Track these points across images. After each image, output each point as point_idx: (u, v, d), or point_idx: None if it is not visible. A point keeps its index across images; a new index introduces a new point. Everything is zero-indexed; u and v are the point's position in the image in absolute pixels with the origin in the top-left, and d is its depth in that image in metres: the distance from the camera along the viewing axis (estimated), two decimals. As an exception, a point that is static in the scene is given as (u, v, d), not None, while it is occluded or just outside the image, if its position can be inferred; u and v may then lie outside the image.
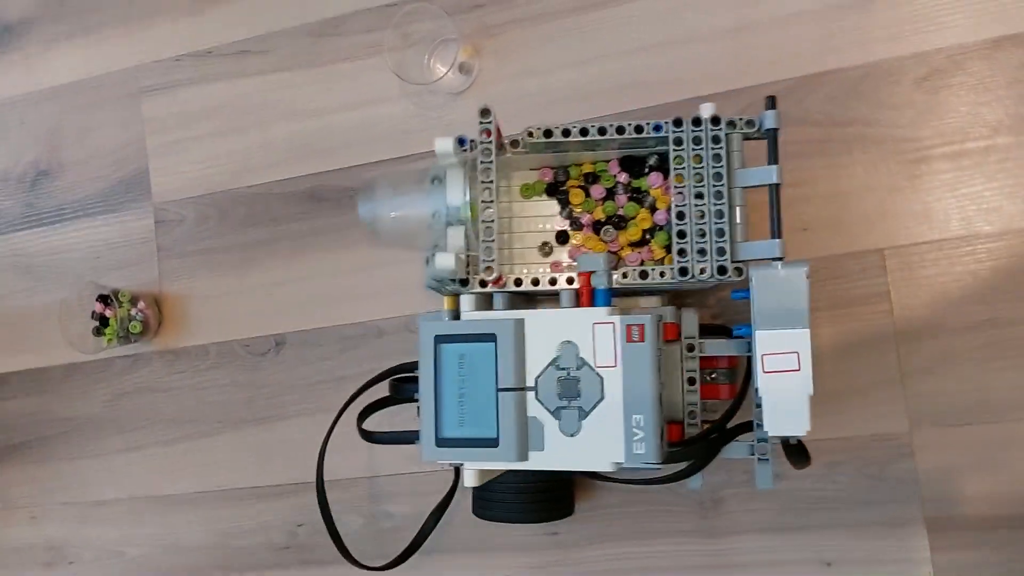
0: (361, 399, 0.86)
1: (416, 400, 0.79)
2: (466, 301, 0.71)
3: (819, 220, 0.87)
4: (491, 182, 0.71)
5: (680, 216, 0.70)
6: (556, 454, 0.68)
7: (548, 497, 0.84)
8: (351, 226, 0.99)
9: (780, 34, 0.89)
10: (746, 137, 0.72)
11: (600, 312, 0.67)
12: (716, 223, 0.70)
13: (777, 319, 0.66)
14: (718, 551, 0.88)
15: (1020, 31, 0.84)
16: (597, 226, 0.75)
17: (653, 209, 0.74)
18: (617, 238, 0.74)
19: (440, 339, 0.70)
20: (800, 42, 0.88)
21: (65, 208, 1.10)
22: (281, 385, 1.01)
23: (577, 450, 0.68)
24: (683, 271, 0.70)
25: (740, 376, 0.78)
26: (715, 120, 0.71)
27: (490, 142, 0.71)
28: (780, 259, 0.68)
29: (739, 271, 0.69)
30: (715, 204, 0.70)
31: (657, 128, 0.71)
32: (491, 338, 0.69)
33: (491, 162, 0.71)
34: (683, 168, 0.71)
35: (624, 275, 0.71)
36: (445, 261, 0.69)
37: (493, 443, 0.68)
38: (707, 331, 0.79)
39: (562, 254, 0.76)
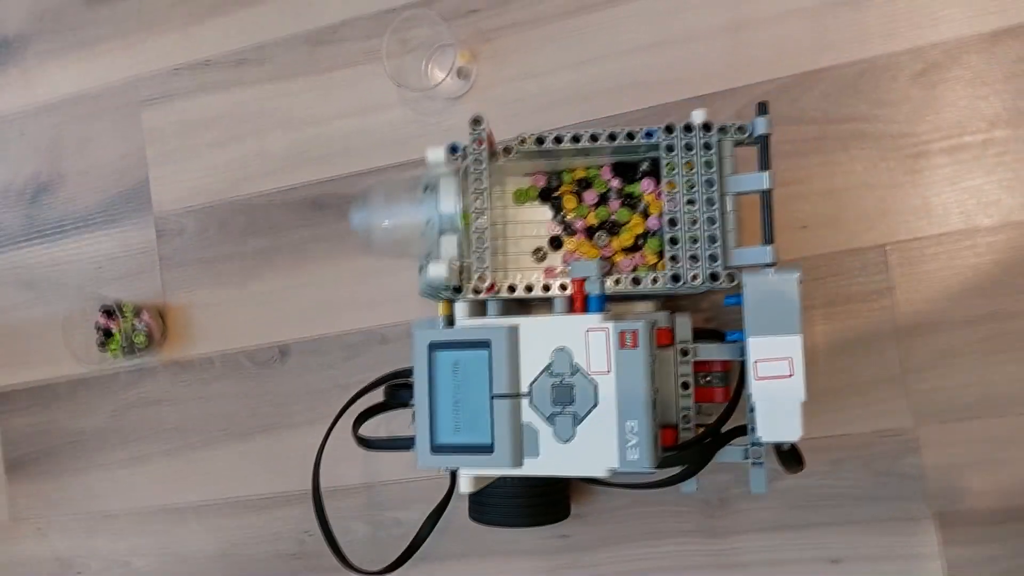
0: (357, 405, 0.87)
1: (411, 406, 0.79)
2: (460, 308, 0.71)
3: (818, 217, 0.86)
4: (483, 190, 0.71)
5: (672, 223, 0.70)
6: (551, 460, 0.68)
7: (544, 501, 0.84)
8: (352, 233, 0.99)
9: (776, 32, 0.88)
10: (737, 143, 0.71)
11: (593, 318, 0.67)
12: (708, 229, 0.70)
13: (769, 325, 0.66)
14: (726, 550, 0.88)
15: (1016, 24, 0.83)
16: (590, 231, 0.75)
17: (646, 214, 0.74)
18: (610, 243, 0.74)
19: (434, 346, 0.70)
20: (796, 39, 0.88)
21: (66, 220, 1.10)
22: (286, 394, 1.01)
23: (571, 456, 0.68)
24: (676, 278, 0.70)
25: (734, 380, 0.78)
26: (706, 126, 0.70)
27: (482, 151, 0.71)
28: (772, 265, 0.68)
29: (731, 277, 0.69)
30: (707, 210, 0.70)
31: (649, 135, 0.71)
32: (485, 345, 0.69)
33: (483, 170, 0.71)
34: (675, 175, 0.71)
35: (617, 281, 0.71)
36: (437, 271, 0.69)
37: (488, 449, 0.68)
38: (701, 335, 0.79)
39: (556, 259, 0.76)
